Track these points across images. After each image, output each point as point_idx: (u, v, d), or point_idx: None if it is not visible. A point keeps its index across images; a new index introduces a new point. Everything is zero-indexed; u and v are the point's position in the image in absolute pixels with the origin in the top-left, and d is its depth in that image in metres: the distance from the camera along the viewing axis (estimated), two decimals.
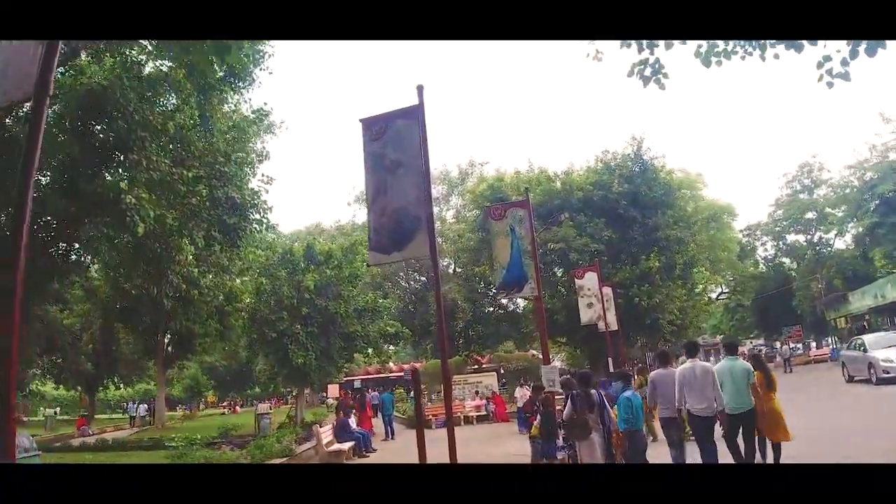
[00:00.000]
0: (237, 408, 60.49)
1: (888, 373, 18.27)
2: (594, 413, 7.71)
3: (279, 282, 24.19)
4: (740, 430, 8.41)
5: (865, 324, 35.74)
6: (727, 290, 58.77)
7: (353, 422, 19.42)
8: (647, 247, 27.80)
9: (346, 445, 17.10)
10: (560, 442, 8.84)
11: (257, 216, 18.82)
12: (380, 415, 24.42)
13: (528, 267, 13.20)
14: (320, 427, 18.11)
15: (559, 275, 29.58)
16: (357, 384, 52.66)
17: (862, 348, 20.21)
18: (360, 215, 61.30)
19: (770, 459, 8.78)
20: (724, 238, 49.59)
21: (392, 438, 21.92)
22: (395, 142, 7.71)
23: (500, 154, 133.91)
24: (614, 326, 25.40)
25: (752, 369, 8.64)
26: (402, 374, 50.40)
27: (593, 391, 7.98)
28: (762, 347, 52.13)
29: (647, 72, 8.68)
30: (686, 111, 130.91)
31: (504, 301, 45.69)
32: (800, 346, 52.76)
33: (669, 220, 28.52)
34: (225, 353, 46.49)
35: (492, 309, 45.09)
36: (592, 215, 27.54)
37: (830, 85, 8.10)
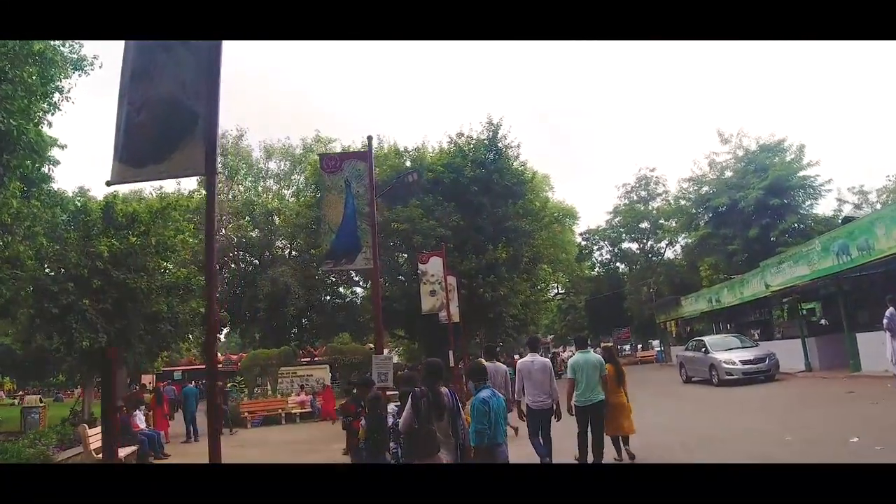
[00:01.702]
0: (25, 398, 52.57)
1: (731, 375, 17.96)
2: (444, 421, 5.40)
3: (68, 246, 19.86)
4: (589, 422, 8.53)
5: (690, 328, 37.11)
6: (562, 291, 60.13)
7: (141, 420, 15.92)
8: (495, 237, 26.40)
9: (126, 451, 13.64)
10: (390, 457, 6.53)
11: (33, 154, 14.76)
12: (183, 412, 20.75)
13: (365, 233, 10.80)
14: (88, 428, 14.40)
15: (401, 261, 27.51)
16: (179, 375, 47.91)
17: (703, 350, 19.92)
18: (188, 183, 55.28)
19: (625, 455, 9.04)
20: (565, 240, 50.34)
21: (195, 440, 18.58)
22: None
23: (350, 131, 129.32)
24: (456, 318, 23.78)
25: (605, 362, 8.80)
26: (220, 364, 45.96)
27: (444, 390, 5.61)
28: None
29: None
30: (538, 114, 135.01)
31: (342, 290, 43.08)
32: (627, 347, 55.03)
33: (519, 212, 27.38)
34: (17, 333, 39.54)
35: (329, 297, 42.22)
36: (442, 198, 25.61)
37: None
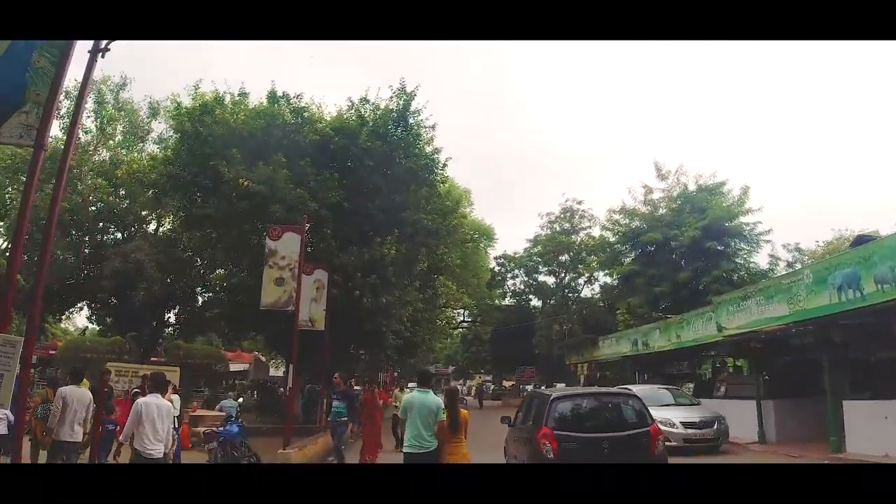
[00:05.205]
0: None
1: (668, 441, 12.99)
2: None
3: None
4: None
5: (600, 374, 32.90)
6: (469, 320, 55.85)
7: None
8: (387, 228, 20.74)
9: None
10: None
11: None
12: None
13: (40, 77, 5.31)
14: None
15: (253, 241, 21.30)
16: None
17: None
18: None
19: None
20: (478, 263, 45.59)
21: None
22: None
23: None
24: (321, 325, 18.31)
25: (443, 406, 7.66)
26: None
27: None
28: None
29: None
30: (463, 124, 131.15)
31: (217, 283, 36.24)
32: (530, 387, 50.68)
33: (422, 203, 21.97)
34: None
35: (200, 288, 35.34)
36: (325, 167, 19.82)
37: None
